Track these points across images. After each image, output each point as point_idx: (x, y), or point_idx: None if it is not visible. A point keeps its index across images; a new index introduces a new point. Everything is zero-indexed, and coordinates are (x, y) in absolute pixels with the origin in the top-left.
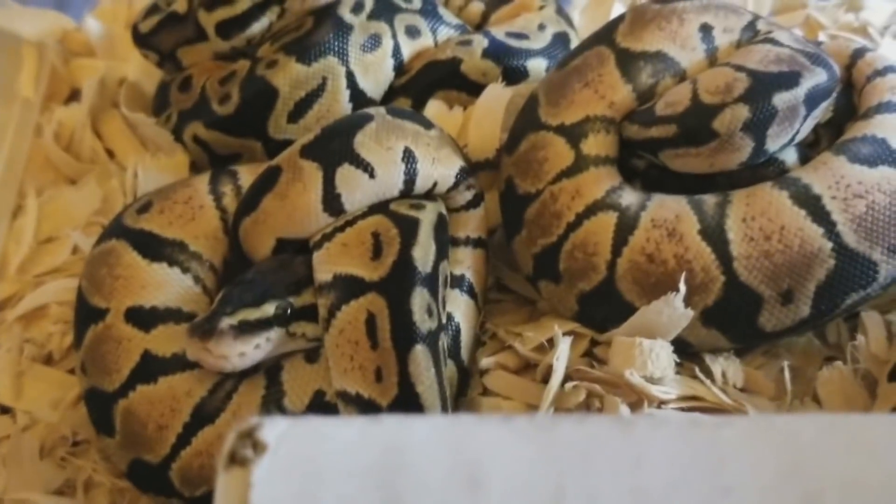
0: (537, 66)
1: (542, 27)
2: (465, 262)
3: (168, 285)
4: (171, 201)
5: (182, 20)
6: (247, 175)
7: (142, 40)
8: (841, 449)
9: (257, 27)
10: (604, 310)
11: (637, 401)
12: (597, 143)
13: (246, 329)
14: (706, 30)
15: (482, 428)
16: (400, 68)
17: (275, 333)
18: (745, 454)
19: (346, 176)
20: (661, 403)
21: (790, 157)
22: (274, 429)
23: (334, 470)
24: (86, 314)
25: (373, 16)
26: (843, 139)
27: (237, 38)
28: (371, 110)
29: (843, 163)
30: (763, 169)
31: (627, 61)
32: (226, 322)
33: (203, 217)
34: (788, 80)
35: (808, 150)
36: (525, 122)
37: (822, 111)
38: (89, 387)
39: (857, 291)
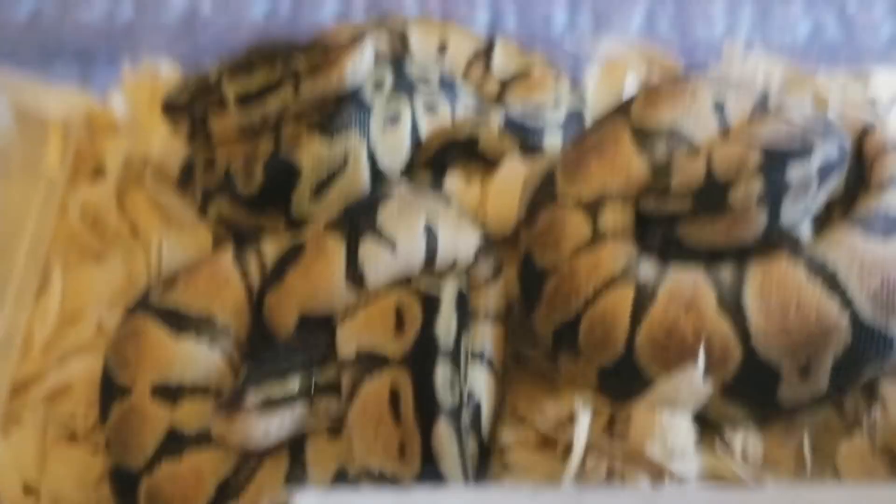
0: (553, 142)
1: (557, 104)
2: (484, 337)
3: (195, 361)
4: (196, 276)
5: (211, 89)
6: (270, 249)
7: (172, 109)
8: None
9: (273, 102)
10: (623, 383)
11: (657, 474)
12: (614, 218)
13: (270, 405)
14: (718, 106)
15: (510, 499)
16: (418, 144)
17: (299, 409)
18: None
19: (369, 252)
20: (682, 477)
21: (804, 229)
22: (305, 501)
23: None
24: (111, 392)
25: (393, 93)
26: (855, 212)
27: (255, 110)
28: (392, 187)
29: (857, 236)
30: (777, 242)
31: (642, 137)
32: (250, 399)
33: (229, 290)
34: (800, 153)
35: (821, 223)
36: (542, 197)
37: (834, 184)
38: (114, 465)
39: (873, 366)
